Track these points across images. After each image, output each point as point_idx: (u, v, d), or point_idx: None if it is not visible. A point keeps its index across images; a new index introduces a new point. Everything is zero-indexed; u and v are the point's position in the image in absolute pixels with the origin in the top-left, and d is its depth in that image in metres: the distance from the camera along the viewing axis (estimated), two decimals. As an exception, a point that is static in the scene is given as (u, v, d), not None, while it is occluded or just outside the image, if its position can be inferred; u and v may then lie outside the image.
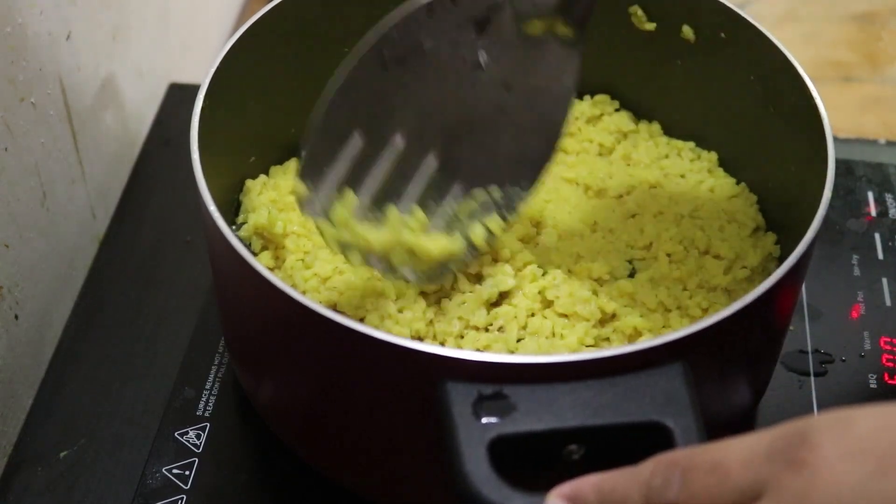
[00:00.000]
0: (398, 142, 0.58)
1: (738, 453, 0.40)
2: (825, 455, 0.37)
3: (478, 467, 0.47)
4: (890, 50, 1.06)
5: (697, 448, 0.41)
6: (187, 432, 0.68)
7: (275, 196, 0.70)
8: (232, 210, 0.70)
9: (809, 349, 0.73)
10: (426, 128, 0.58)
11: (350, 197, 0.59)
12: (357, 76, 0.58)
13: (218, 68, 0.64)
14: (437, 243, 0.61)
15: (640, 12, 0.72)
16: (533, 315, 0.63)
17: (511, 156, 0.58)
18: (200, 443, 0.68)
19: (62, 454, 0.68)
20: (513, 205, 0.62)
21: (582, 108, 0.77)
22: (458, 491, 0.47)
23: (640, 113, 0.77)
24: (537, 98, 0.59)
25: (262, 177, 0.72)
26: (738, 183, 0.72)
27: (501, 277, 0.63)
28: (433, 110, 0.59)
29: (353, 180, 0.59)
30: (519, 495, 0.46)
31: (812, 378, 0.71)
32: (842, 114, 0.98)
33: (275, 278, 0.53)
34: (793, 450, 0.38)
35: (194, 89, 0.63)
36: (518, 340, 0.62)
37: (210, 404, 0.70)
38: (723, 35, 0.69)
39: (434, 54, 0.60)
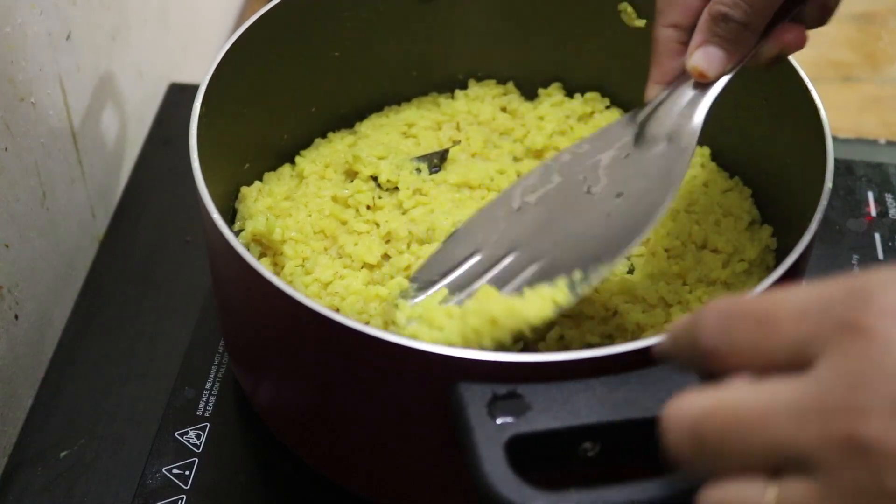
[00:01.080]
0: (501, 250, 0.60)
1: (791, 305, 0.35)
2: (890, 316, 0.33)
3: (496, 468, 0.47)
4: (890, 50, 1.06)
5: (747, 296, 0.37)
6: (187, 432, 0.68)
7: (270, 202, 0.70)
8: (228, 218, 0.70)
9: (809, 349, 0.73)
10: (531, 235, 0.60)
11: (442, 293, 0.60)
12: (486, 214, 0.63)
13: (217, 69, 0.64)
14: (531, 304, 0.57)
15: (629, 9, 0.72)
16: None
17: (601, 239, 0.57)
18: (200, 443, 0.68)
19: (62, 454, 0.68)
20: (588, 280, 0.58)
21: (573, 106, 0.77)
22: (478, 492, 0.47)
23: (631, 110, 0.77)
24: (643, 198, 0.58)
25: (257, 183, 0.72)
26: (731, 177, 0.73)
27: None
28: (547, 225, 0.60)
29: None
30: (539, 494, 0.46)
31: (812, 378, 0.71)
32: (842, 114, 0.98)
33: (282, 283, 0.53)
34: (854, 309, 0.34)
35: (194, 89, 0.63)
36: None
37: (210, 404, 0.70)
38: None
39: (561, 187, 0.61)
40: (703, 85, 0.59)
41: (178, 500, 0.65)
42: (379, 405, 0.56)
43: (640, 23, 0.72)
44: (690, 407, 0.36)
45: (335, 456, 0.62)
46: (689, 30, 0.58)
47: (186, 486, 0.65)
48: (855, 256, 0.79)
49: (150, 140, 0.88)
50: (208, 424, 0.69)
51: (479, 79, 0.79)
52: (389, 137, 0.74)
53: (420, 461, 0.58)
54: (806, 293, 0.35)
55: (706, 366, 0.37)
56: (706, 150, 0.74)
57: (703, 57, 0.57)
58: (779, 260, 0.66)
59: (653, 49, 0.59)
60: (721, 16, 0.55)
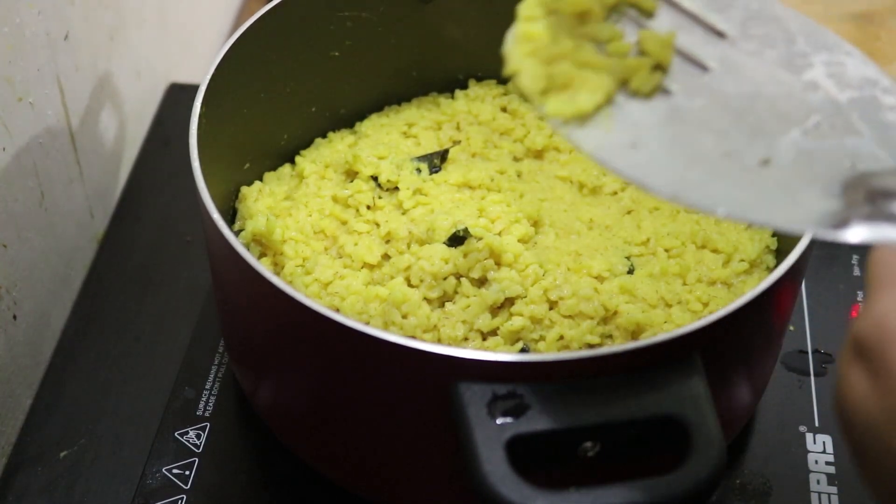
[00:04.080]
0: None
1: None
2: None
3: (497, 468, 0.47)
4: (889, 50, 1.06)
5: None
6: (187, 432, 0.68)
7: (271, 202, 0.70)
8: (228, 218, 0.70)
9: (809, 349, 0.73)
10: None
11: None
12: None
13: (217, 69, 0.64)
14: None
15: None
16: (540, 321, 0.63)
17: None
18: (200, 443, 0.68)
19: (62, 454, 0.68)
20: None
21: None
22: (478, 492, 0.47)
23: None
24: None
25: (258, 183, 0.72)
26: None
27: (508, 283, 0.63)
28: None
29: None
30: (540, 494, 0.46)
31: (812, 378, 0.71)
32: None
33: (282, 283, 0.53)
34: None
35: (194, 89, 0.63)
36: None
37: (210, 404, 0.70)
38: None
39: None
40: None
41: (178, 500, 0.65)
42: (379, 405, 0.56)
43: None
44: None
45: (335, 456, 0.62)
46: None
47: (186, 486, 0.65)
48: (855, 256, 0.79)
49: (150, 140, 0.88)
50: (208, 424, 0.69)
51: (479, 79, 0.79)
52: (389, 137, 0.74)
53: (420, 461, 0.58)
54: None
55: None
56: (706, 150, 0.74)
57: None
58: (779, 260, 0.66)
59: None
60: None
